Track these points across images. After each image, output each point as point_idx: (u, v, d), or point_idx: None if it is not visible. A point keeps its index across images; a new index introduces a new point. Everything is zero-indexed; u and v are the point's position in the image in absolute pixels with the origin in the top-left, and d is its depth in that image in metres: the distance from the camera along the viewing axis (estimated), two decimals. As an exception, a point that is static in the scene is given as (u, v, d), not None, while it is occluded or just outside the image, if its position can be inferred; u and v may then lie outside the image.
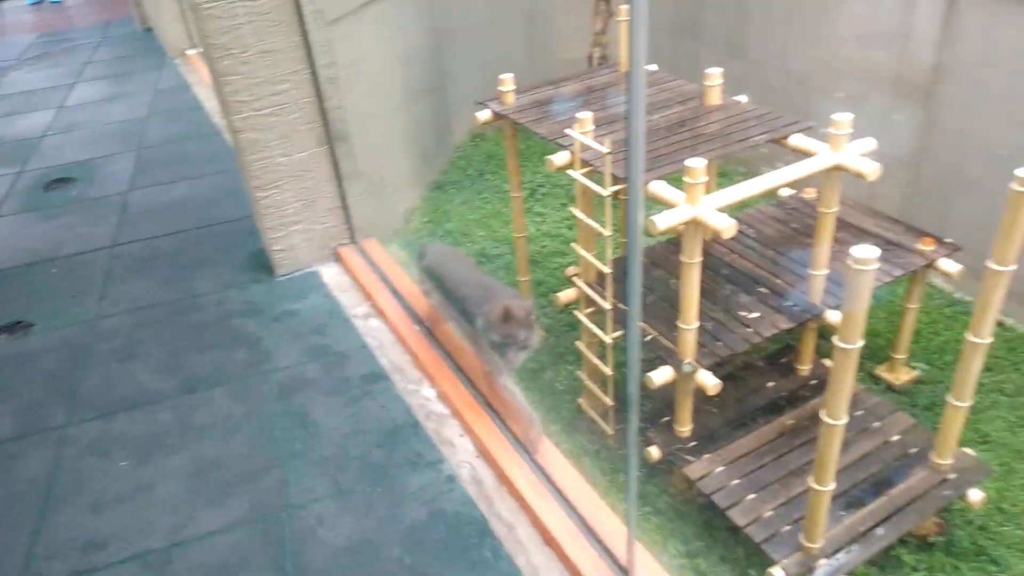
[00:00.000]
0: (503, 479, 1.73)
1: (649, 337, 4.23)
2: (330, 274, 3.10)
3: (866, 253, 2.80)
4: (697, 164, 3.47)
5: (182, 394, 2.61)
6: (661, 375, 3.95)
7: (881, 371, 5.19)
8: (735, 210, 6.46)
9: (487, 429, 1.79)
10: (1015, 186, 3.16)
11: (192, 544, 1.94)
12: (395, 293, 2.52)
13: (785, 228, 5.08)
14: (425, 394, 2.19)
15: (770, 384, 4.66)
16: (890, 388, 5.07)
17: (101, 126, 8.20)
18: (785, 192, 5.59)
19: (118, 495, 2.20)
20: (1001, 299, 3.47)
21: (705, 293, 4.46)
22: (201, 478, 2.17)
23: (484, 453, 1.79)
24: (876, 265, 2.78)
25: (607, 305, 4.24)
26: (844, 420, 3.22)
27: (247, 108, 3.00)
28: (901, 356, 5.10)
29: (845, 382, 3.14)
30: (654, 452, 4.26)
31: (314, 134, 3.21)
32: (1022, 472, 4.46)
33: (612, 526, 1.40)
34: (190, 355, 2.84)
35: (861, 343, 3.06)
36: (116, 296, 3.79)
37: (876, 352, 5.40)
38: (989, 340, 3.58)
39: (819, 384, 4.64)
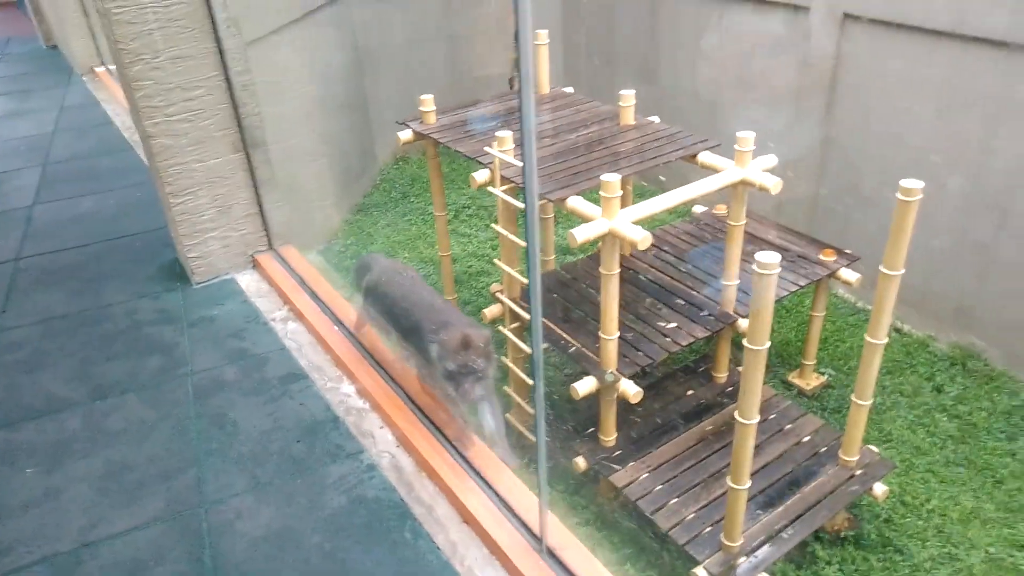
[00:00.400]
0: (423, 465, 1.77)
1: (573, 349, 4.32)
2: (248, 281, 3.05)
3: (769, 259, 2.96)
4: (612, 179, 3.59)
5: (92, 401, 2.50)
6: (585, 385, 4.03)
7: (792, 377, 5.44)
8: (651, 226, 6.70)
9: (407, 420, 1.83)
10: (900, 196, 3.41)
11: (104, 544, 1.85)
12: (314, 296, 2.51)
13: (699, 242, 5.30)
14: (345, 390, 2.19)
15: (690, 392, 4.82)
16: (801, 393, 5.32)
17: (3, 142, 7.82)
18: (698, 209, 5.84)
19: (24, 502, 2.08)
20: (893, 301, 3.72)
21: (625, 305, 4.60)
22: (113, 481, 2.08)
23: (404, 442, 1.81)
24: (778, 270, 2.94)
25: (528, 316, 4.30)
26: (756, 420, 3.36)
27: (159, 114, 2.94)
28: (810, 363, 5.37)
29: (755, 382, 3.28)
30: (580, 463, 4.33)
31: (229, 140, 3.17)
32: (921, 467, 4.75)
33: (529, 503, 1.45)
34: (100, 364, 2.72)
35: (768, 344, 3.21)
36: (21, 309, 3.60)
37: (787, 360, 5.66)
38: (885, 341, 3.82)
39: (735, 390, 4.82)
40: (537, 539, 1.55)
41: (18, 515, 2.02)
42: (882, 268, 3.63)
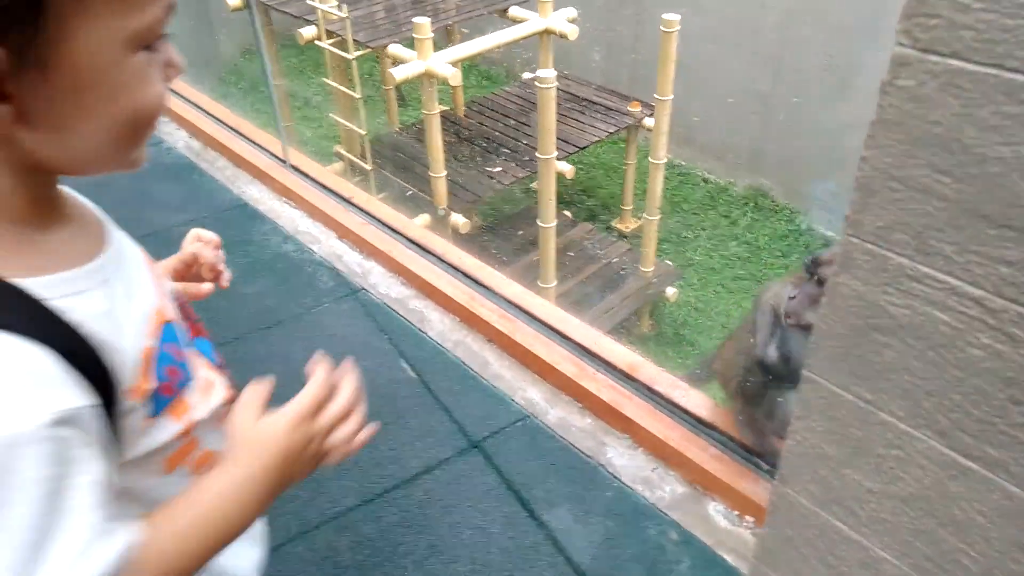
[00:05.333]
0: (210, 143, 2.64)
1: (410, 193, 4.80)
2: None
3: (547, 74, 3.52)
4: (423, 21, 4.00)
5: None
6: (419, 221, 4.54)
7: (615, 223, 6.19)
8: (484, 90, 7.17)
9: (200, 120, 2.71)
10: (662, 28, 4.03)
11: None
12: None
13: (524, 103, 5.82)
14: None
15: (520, 232, 5.44)
16: (621, 235, 6.08)
17: None
18: (527, 75, 6.35)
19: None
20: (668, 125, 4.41)
21: (457, 156, 5.10)
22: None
23: (196, 133, 2.67)
24: (555, 84, 3.51)
25: (367, 166, 4.73)
26: (553, 224, 4.00)
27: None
28: (628, 208, 6.12)
29: (549, 188, 3.90)
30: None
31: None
32: (713, 283, 5.65)
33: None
34: None
35: (555, 154, 3.82)
36: None
37: (611, 210, 6.41)
38: (664, 160, 4.54)
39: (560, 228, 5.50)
40: (282, 161, 2.28)
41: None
42: (655, 95, 4.29)
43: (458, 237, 4.66)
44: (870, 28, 5.36)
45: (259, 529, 0.75)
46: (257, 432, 0.61)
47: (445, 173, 4.47)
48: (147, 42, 0.51)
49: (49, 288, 0.50)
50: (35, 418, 0.44)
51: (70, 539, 0.46)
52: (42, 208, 0.54)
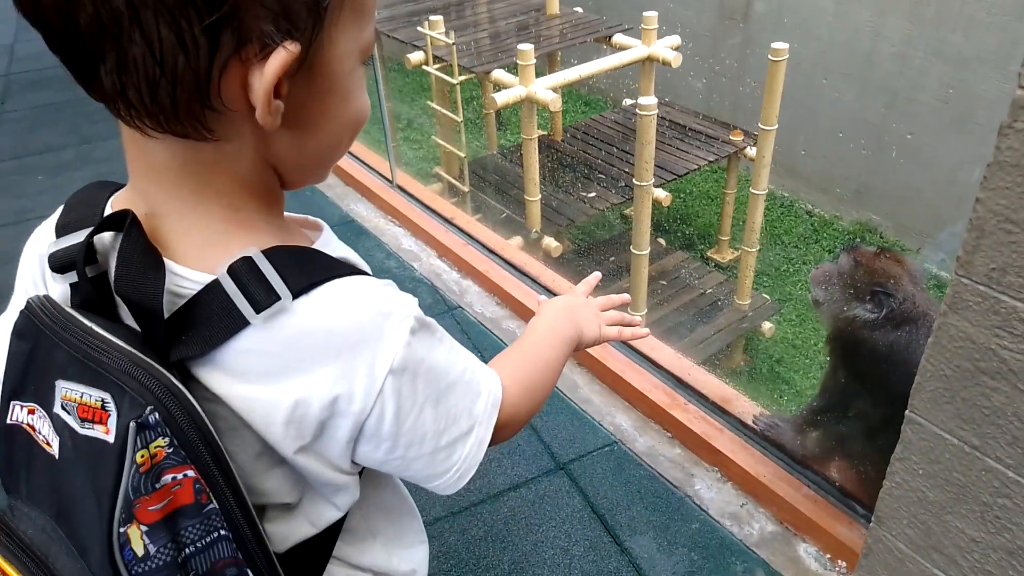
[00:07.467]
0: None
1: (504, 215, 4.90)
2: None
3: (649, 101, 3.53)
4: (526, 48, 4.10)
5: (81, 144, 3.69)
6: (512, 243, 4.62)
7: (711, 253, 6.08)
8: (582, 115, 7.22)
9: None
10: (770, 57, 3.97)
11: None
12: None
13: (622, 129, 5.84)
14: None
15: (611, 258, 5.44)
16: (717, 265, 5.96)
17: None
18: (627, 102, 6.36)
19: (40, 190, 3.21)
20: (771, 155, 4.32)
21: (553, 180, 5.16)
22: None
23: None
24: (656, 111, 3.52)
25: (465, 188, 4.86)
26: (647, 251, 3.98)
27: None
28: (725, 238, 6.00)
29: (644, 216, 3.89)
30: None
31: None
32: (812, 319, 5.44)
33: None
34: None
35: (652, 181, 3.81)
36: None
37: (706, 239, 6.30)
38: (765, 191, 4.44)
39: (654, 256, 5.45)
40: (389, 181, 2.35)
41: (34, 195, 3.10)
42: (760, 125, 4.22)
43: (550, 260, 4.71)
44: (993, 60, 5.07)
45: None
46: (548, 301, 0.87)
47: (539, 197, 4.54)
48: (368, 55, 0.59)
49: (326, 248, 0.64)
50: (414, 301, 0.59)
51: (475, 360, 0.64)
52: (281, 198, 0.64)
